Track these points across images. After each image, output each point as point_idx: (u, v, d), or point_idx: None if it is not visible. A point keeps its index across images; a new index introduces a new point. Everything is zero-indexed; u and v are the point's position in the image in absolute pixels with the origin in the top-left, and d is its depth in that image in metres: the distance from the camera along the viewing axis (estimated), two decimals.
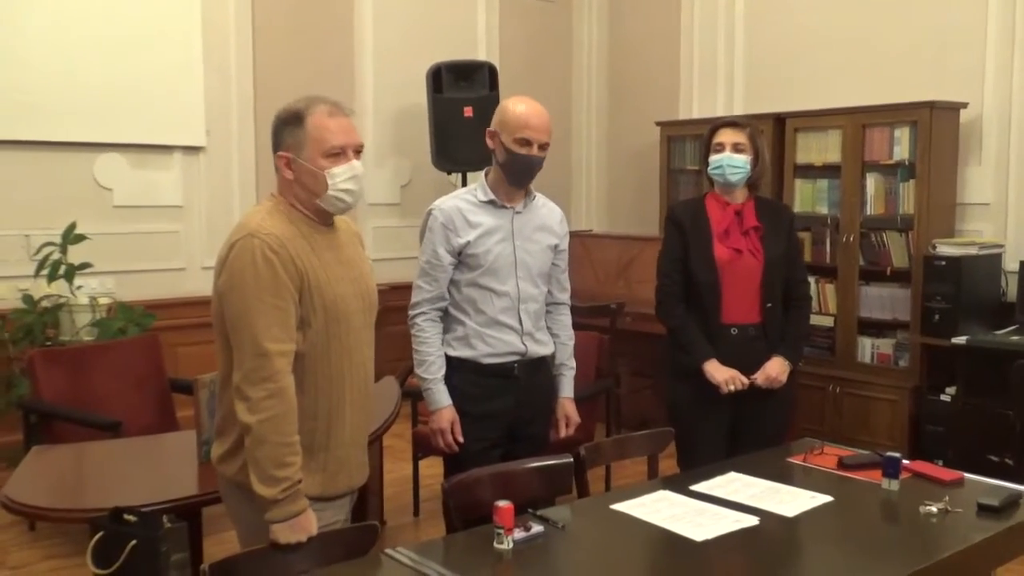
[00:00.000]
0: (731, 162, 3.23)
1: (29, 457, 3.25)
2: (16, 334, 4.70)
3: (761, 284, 3.25)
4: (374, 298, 2.43)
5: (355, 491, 2.43)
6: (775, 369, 3.24)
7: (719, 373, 3.18)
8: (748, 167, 3.25)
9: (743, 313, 3.24)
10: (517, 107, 2.90)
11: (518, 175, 2.92)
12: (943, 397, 4.83)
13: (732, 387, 3.18)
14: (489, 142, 2.94)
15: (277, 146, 2.30)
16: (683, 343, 3.25)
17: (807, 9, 5.90)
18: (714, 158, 3.27)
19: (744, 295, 3.24)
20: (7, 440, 4.58)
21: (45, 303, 4.77)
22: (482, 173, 3.03)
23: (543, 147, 2.89)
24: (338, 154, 2.27)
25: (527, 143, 2.87)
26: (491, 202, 2.94)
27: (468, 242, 2.89)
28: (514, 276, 2.94)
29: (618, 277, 6.28)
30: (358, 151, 2.32)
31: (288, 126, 2.28)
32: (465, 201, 2.95)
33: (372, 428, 2.64)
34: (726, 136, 3.26)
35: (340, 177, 2.26)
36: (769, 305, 3.26)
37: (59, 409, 3.98)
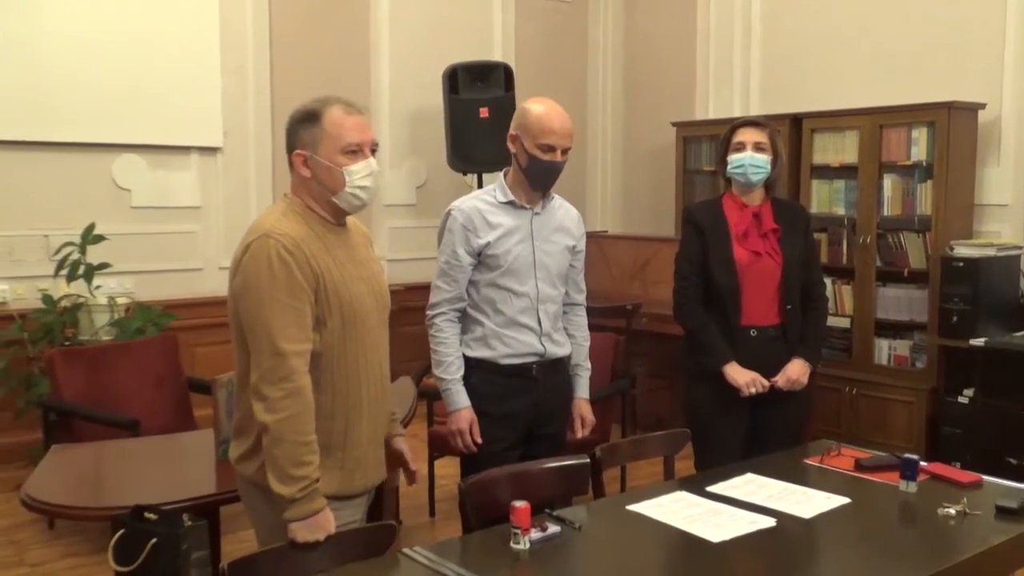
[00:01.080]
0: (753, 162, 3.21)
1: (49, 455, 3.28)
2: (36, 334, 4.75)
3: (780, 286, 3.23)
4: (387, 298, 2.44)
5: (371, 490, 2.44)
6: (796, 371, 3.24)
7: (740, 376, 3.18)
8: (769, 167, 3.24)
9: (762, 315, 3.23)
10: (540, 111, 2.88)
11: (540, 180, 2.91)
12: (960, 399, 4.81)
13: (753, 390, 3.17)
14: (510, 146, 2.93)
15: (292, 145, 2.31)
16: (703, 345, 3.24)
17: (823, 9, 5.88)
18: (735, 157, 3.24)
19: (763, 297, 3.23)
20: (27, 439, 4.63)
21: (64, 303, 4.82)
22: (500, 174, 3.02)
23: (565, 152, 2.89)
24: (356, 151, 2.28)
25: (551, 149, 2.85)
26: (510, 203, 2.94)
27: (488, 243, 2.89)
28: (533, 277, 2.94)
29: (634, 278, 6.28)
30: (373, 149, 2.33)
31: (304, 124, 2.29)
32: (484, 202, 2.94)
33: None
34: (747, 135, 3.24)
35: (358, 174, 2.28)
36: (788, 307, 3.25)
37: (78, 408, 4.01)
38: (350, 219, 2.43)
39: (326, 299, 2.24)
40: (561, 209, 3.07)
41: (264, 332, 2.16)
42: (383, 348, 2.41)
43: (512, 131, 2.92)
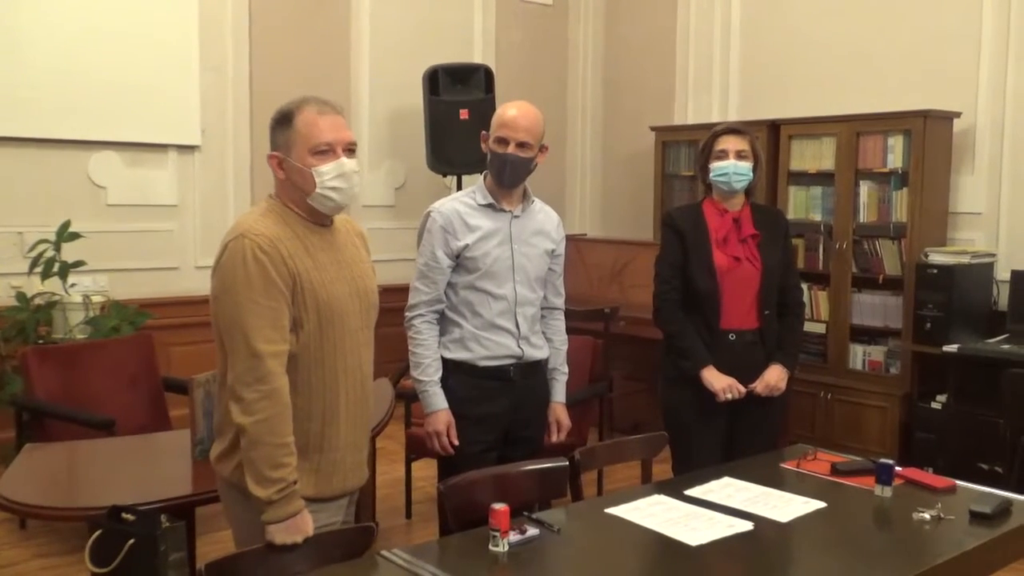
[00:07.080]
0: (737, 170, 3.23)
1: (21, 455, 3.24)
2: (9, 332, 4.69)
3: (759, 291, 3.25)
4: (373, 298, 2.42)
5: (354, 493, 2.43)
6: (774, 377, 3.26)
7: (717, 381, 3.19)
8: (751, 174, 3.26)
9: (741, 319, 3.25)
10: (503, 109, 2.95)
11: (498, 174, 2.93)
12: (934, 405, 4.86)
13: (730, 395, 3.19)
14: (483, 146, 2.97)
15: (272, 147, 2.31)
16: (681, 349, 3.25)
17: (803, 16, 5.93)
18: (718, 165, 3.25)
19: (742, 302, 3.24)
20: None
21: (38, 301, 4.76)
22: (481, 176, 3.03)
23: (521, 146, 2.88)
24: (326, 152, 2.25)
25: (503, 142, 2.88)
26: (490, 205, 2.95)
27: (467, 245, 2.89)
28: (511, 280, 2.94)
29: (612, 281, 6.29)
30: (349, 149, 2.30)
31: (279, 126, 2.29)
32: (464, 204, 2.95)
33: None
34: (729, 143, 3.25)
35: (327, 175, 2.25)
36: (767, 312, 3.27)
37: (52, 407, 3.97)
38: (341, 219, 2.41)
39: (303, 300, 2.22)
40: (541, 212, 3.08)
41: (240, 333, 2.14)
42: (365, 351, 2.38)
43: (484, 131, 2.96)
